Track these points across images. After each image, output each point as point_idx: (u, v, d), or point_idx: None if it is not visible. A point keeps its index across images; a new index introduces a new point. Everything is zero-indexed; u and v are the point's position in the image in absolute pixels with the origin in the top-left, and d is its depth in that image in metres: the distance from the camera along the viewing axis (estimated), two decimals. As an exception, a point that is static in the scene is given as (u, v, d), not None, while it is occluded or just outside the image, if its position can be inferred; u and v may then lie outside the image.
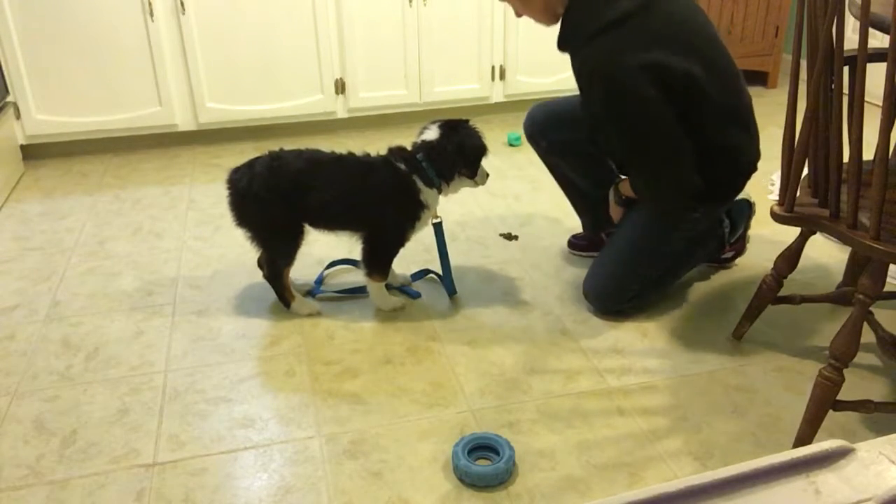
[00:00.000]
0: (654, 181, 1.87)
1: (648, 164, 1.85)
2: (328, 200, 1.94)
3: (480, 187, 2.09)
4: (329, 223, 2.02)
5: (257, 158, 1.97)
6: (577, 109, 1.97)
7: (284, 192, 1.93)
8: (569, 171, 2.19)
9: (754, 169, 1.93)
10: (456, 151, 1.96)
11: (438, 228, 2.09)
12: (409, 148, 2.01)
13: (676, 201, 1.90)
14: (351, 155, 2.02)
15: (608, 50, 1.70)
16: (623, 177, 2.06)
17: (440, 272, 2.16)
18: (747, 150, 1.90)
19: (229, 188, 1.97)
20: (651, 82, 1.68)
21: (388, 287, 2.14)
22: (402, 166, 1.97)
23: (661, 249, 1.98)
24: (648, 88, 1.68)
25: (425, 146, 1.98)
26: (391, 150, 2.03)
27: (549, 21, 1.88)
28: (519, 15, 1.93)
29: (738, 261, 2.27)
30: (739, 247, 2.26)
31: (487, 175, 2.05)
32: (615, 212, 2.09)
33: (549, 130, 2.14)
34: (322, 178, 1.95)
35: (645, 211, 1.99)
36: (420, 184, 1.97)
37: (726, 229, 2.14)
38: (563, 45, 1.84)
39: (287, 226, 1.98)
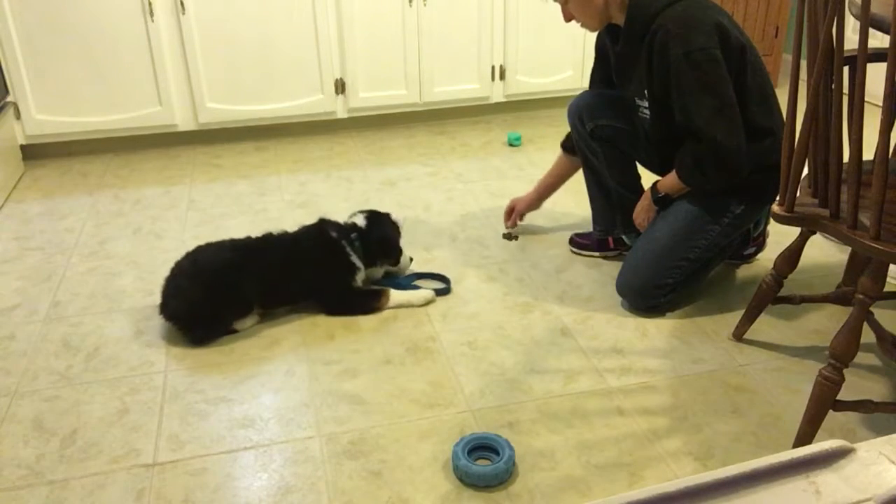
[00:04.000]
0: (711, 143, 1.86)
1: (710, 120, 1.85)
2: (269, 283, 2.01)
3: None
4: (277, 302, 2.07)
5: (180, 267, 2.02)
6: (621, 100, 2.11)
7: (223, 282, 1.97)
8: (602, 161, 2.21)
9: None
10: (378, 242, 2.12)
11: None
12: (341, 223, 2.14)
13: (726, 170, 1.89)
14: (271, 234, 2.09)
15: (681, 14, 1.85)
16: (659, 178, 2.08)
17: (433, 274, 2.23)
18: (780, 138, 1.93)
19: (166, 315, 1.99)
20: (718, 43, 1.83)
21: (399, 284, 2.17)
22: (334, 234, 2.08)
23: (700, 241, 2.00)
24: (717, 47, 1.83)
25: (357, 228, 2.11)
26: (324, 220, 2.13)
27: (598, 25, 2.03)
28: (568, 19, 2.02)
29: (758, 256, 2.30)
30: (760, 242, 2.28)
31: (411, 259, 2.22)
32: (644, 215, 2.10)
33: (597, 114, 2.17)
34: (257, 263, 2.01)
35: (684, 204, 2.01)
36: (349, 249, 2.07)
37: (751, 225, 2.16)
38: (629, 33, 1.94)
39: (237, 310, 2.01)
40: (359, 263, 2.08)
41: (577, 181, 2.35)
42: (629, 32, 1.94)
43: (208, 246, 2.05)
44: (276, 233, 2.09)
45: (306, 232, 2.10)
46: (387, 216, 2.20)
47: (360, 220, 2.13)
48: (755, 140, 1.89)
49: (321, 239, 2.07)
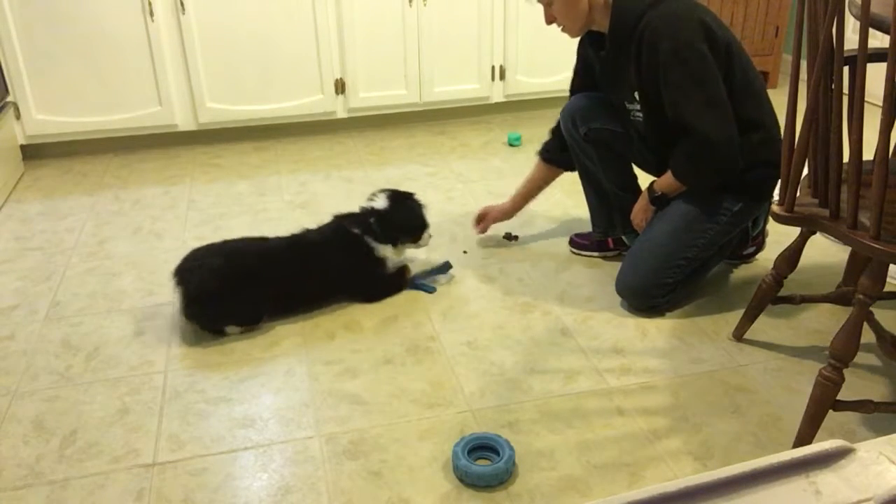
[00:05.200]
0: (703, 138, 1.86)
1: (700, 114, 1.86)
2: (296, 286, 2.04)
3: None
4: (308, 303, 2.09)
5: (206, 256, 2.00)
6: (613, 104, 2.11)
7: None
8: (597, 163, 2.21)
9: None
10: (402, 223, 2.14)
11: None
12: (357, 212, 2.14)
13: (720, 165, 1.90)
14: (295, 235, 2.11)
15: (666, 12, 1.86)
16: (655, 178, 2.08)
17: (432, 270, 2.25)
18: (772, 133, 1.94)
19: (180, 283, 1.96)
20: (704, 39, 1.84)
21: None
22: (356, 230, 2.09)
23: (698, 240, 2.00)
24: (703, 43, 1.84)
25: (376, 212, 2.11)
26: (341, 217, 2.15)
27: (580, 30, 2.01)
28: (549, 22, 2.00)
29: (758, 256, 2.29)
30: (759, 242, 2.28)
31: (430, 237, 2.22)
32: (642, 215, 2.09)
33: (590, 117, 2.17)
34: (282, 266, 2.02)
35: (681, 204, 2.01)
36: (372, 242, 2.09)
37: (749, 224, 2.16)
38: (615, 35, 1.94)
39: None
40: (387, 253, 2.11)
41: (577, 181, 2.35)
42: (615, 35, 1.94)
43: (245, 239, 2.08)
44: (300, 233, 2.10)
45: (328, 233, 2.11)
46: (410, 196, 2.20)
47: (381, 203, 2.12)
48: (746, 134, 1.90)
49: (344, 238, 2.09)
